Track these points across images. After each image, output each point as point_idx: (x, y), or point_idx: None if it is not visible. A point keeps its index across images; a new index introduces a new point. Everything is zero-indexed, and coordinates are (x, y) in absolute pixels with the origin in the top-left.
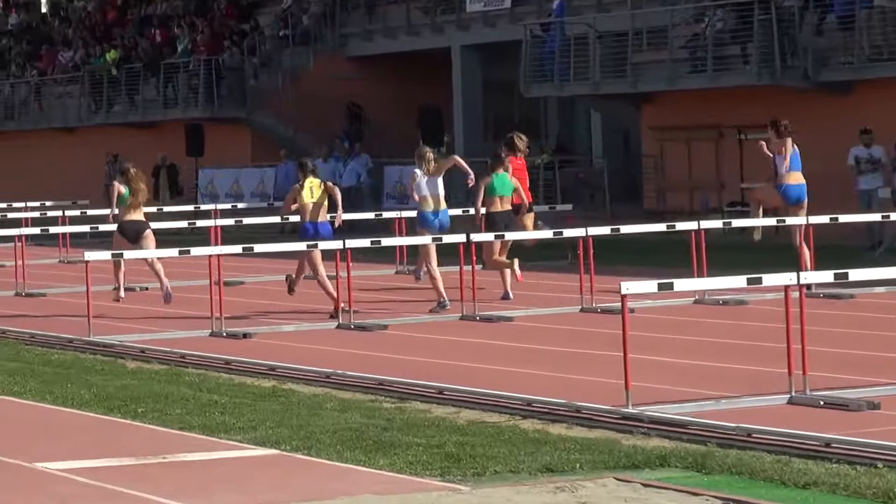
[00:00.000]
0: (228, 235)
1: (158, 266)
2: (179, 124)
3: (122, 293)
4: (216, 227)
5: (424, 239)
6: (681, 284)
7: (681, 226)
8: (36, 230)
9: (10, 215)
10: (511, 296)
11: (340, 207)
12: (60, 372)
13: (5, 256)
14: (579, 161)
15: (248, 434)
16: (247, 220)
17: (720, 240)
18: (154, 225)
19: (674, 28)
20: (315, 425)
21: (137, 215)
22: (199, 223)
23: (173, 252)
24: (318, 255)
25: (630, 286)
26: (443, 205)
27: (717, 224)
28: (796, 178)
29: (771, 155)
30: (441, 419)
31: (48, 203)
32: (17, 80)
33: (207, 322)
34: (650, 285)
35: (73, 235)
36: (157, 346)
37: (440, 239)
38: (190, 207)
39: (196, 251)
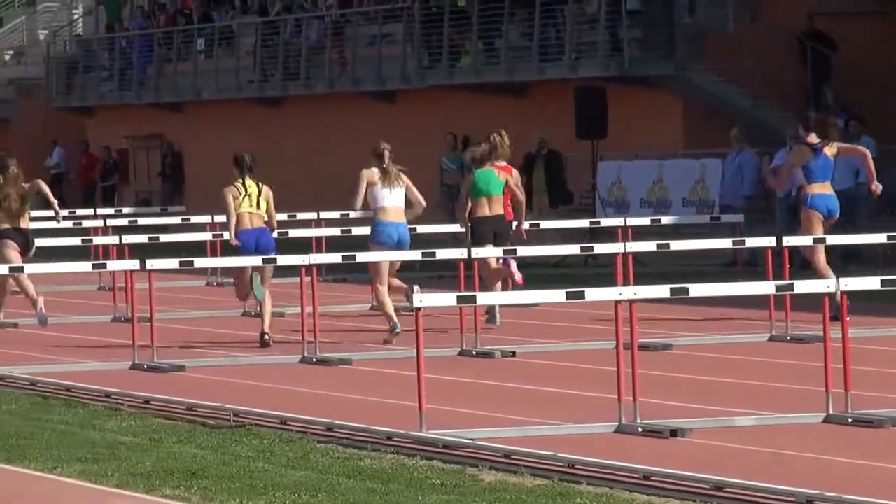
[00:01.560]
0: (646, 270)
1: (26, 285)
2: (566, 88)
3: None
4: (625, 253)
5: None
6: None
7: None
8: (335, 257)
9: (295, 233)
10: (499, 321)
11: None
12: (375, 488)
13: (286, 298)
14: None
15: None
16: (676, 245)
17: None
18: (520, 251)
19: None
20: None
21: (23, 222)
22: (598, 248)
23: (557, 295)
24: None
25: None
26: (402, 217)
27: None
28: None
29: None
30: None
31: (353, 214)
32: (306, 14)
33: (610, 407)
34: None
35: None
36: (530, 449)
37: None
38: (584, 222)
39: (594, 293)
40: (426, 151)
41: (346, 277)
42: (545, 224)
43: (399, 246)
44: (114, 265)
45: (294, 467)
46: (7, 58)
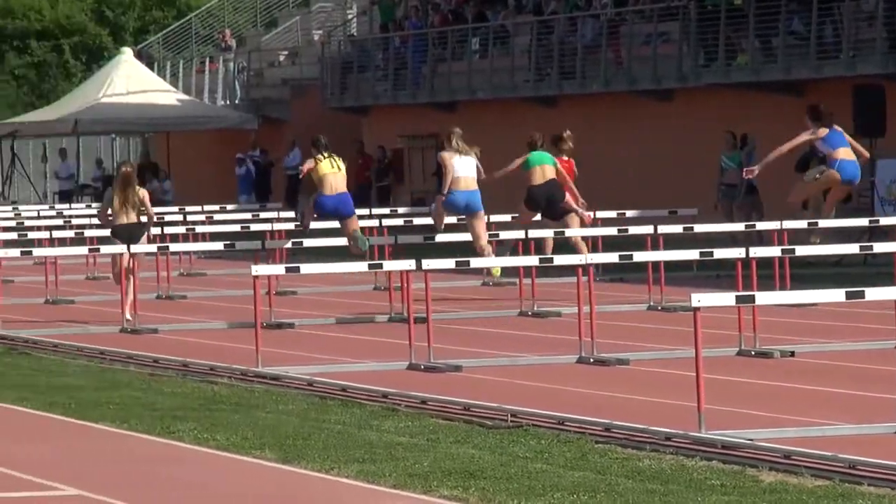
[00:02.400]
0: None
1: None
2: (844, 86)
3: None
4: None
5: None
6: None
7: None
8: (612, 256)
9: (572, 232)
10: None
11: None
12: (654, 489)
13: (563, 298)
14: None
15: None
16: None
17: None
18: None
19: None
20: None
21: (130, 217)
22: (878, 248)
23: (836, 295)
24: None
25: None
26: (473, 185)
27: None
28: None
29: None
30: None
31: (631, 213)
32: (581, 13)
33: (892, 407)
34: None
35: (672, 267)
36: (810, 449)
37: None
38: (862, 221)
39: (874, 293)
40: (703, 150)
41: (623, 277)
42: (823, 223)
43: (467, 209)
44: (390, 265)
45: (572, 468)
46: (282, 58)
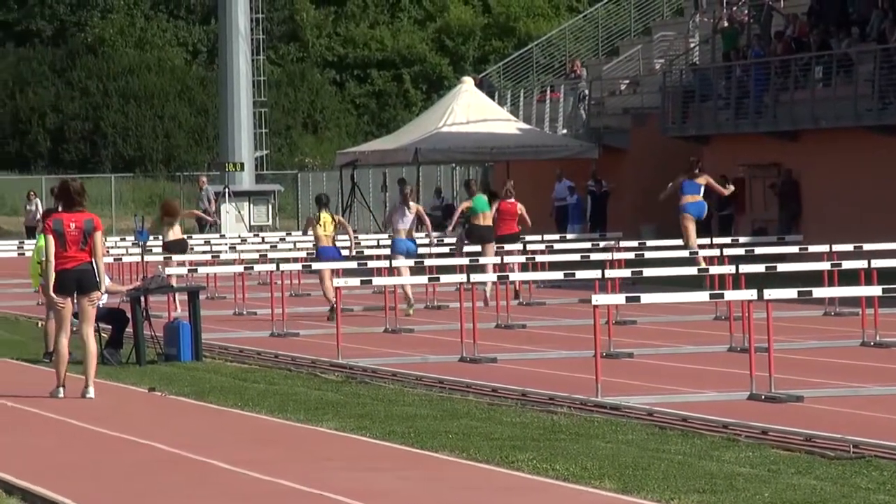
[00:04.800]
0: None
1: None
2: None
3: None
4: None
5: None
6: None
7: None
8: None
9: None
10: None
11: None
12: None
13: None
14: None
15: None
16: None
17: None
18: None
19: None
20: None
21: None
22: None
23: None
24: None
25: None
26: (412, 235)
27: None
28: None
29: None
30: None
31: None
32: None
33: None
34: None
35: None
36: None
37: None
38: None
39: None
40: None
41: None
42: None
43: (408, 255)
44: (731, 295)
45: None
46: (623, 87)
